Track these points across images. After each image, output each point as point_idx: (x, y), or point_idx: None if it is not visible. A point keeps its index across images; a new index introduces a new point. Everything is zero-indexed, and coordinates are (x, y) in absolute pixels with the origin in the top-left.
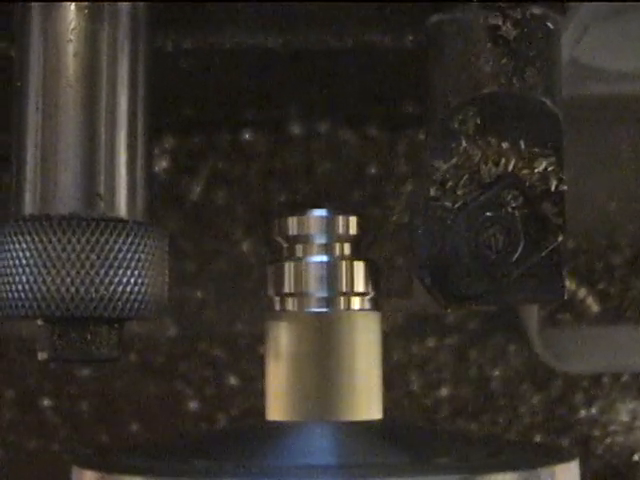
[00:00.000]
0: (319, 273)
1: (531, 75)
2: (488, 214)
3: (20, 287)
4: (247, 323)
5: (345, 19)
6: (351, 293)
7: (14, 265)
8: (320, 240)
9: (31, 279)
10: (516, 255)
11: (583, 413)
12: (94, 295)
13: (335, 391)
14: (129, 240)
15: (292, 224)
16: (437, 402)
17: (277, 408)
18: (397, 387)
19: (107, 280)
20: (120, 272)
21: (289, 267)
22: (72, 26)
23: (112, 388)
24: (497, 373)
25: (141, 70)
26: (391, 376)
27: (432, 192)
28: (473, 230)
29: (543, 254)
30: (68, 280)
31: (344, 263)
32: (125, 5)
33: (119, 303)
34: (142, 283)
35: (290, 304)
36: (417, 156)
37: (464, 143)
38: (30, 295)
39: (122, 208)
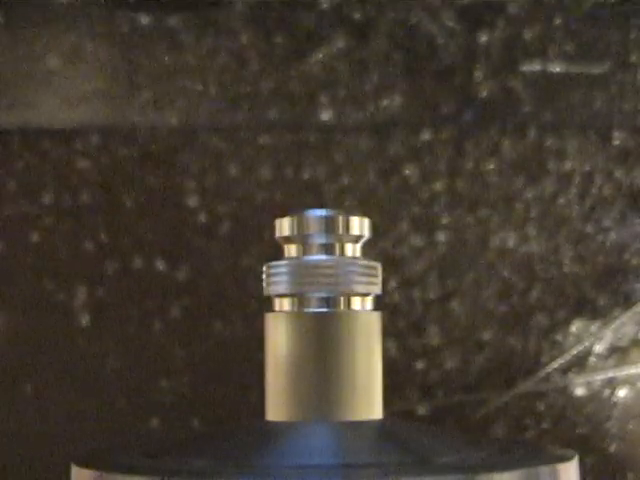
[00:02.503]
0: (319, 273)
1: None
2: None
3: None
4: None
5: None
6: (351, 293)
7: None
8: (320, 240)
9: None
10: None
11: (577, 208)
12: None
13: (335, 391)
14: None
15: (292, 224)
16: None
17: (277, 408)
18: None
19: None
20: None
21: (289, 267)
22: None
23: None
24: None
25: None
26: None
27: None
28: None
29: None
30: None
31: (344, 263)
32: None
33: None
34: None
35: (290, 304)
36: None
37: None
38: None
39: None
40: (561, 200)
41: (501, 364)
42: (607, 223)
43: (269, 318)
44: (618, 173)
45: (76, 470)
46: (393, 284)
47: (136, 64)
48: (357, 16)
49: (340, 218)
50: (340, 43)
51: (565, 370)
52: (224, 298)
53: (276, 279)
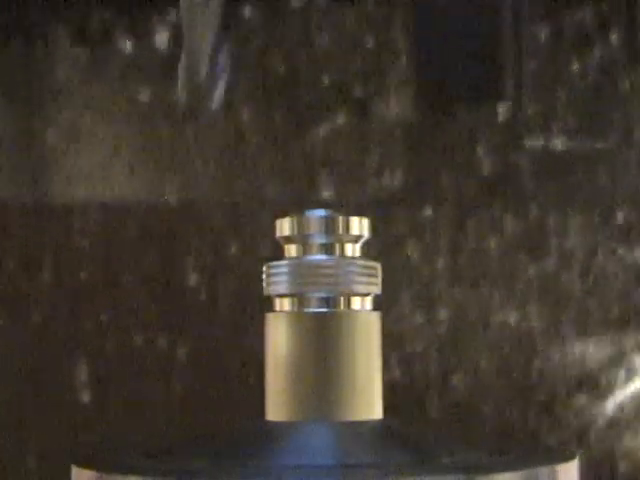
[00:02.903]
0: (319, 273)
1: None
2: None
3: None
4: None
5: None
6: (351, 293)
7: None
8: (320, 240)
9: None
10: None
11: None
12: None
13: (335, 391)
14: None
15: (292, 224)
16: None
17: (277, 408)
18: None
19: None
20: None
21: (289, 267)
22: None
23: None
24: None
25: None
26: None
27: None
28: None
29: None
30: None
31: (344, 263)
32: None
33: None
34: None
35: (290, 304)
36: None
37: None
38: None
39: None
40: (563, 277)
41: (501, 437)
42: (610, 299)
43: (269, 318)
44: (621, 250)
45: (76, 470)
46: (394, 360)
47: (135, 141)
48: (358, 93)
49: (340, 218)
50: (341, 119)
51: (566, 444)
52: (225, 375)
53: (276, 279)
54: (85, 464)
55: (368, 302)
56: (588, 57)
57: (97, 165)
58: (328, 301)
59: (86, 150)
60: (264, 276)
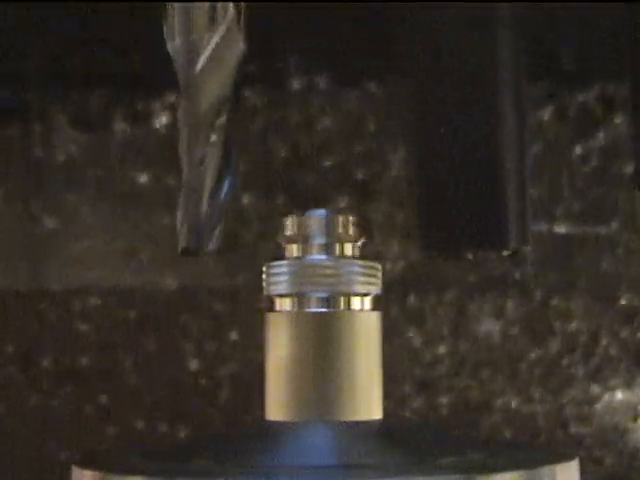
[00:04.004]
0: (319, 273)
1: None
2: None
3: None
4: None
5: None
6: (351, 293)
7: None
8: (320, 240)
9: None
10: None
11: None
12: None
13: (335, 391)
14: None
15: (292, 224)
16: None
17: (277, 408)
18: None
19: None
20: None
21: (289, 267)
22: None
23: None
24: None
25: None
26: None
27: None
28: None
29: None
30: None
31: (344, 263)
32: None
33: None
34: None
35: (290, 304)
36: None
37: None
38: None
39: None
40: (566, 360)
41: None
42: (613, 383)
43: (269, 318)
44: (624, 333)
45: (76, 471)
46: None
47: (134, 224)
48: (360, 175)
49: (340, 218)
50: (342, 203)
51: None
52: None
53: (276, 279)
54: (85, 464)
55: (368, 302)
56: (591, 140)
57: (95, 249)
58: (328, 301)
59: (85, 234)
60: (264, 276)
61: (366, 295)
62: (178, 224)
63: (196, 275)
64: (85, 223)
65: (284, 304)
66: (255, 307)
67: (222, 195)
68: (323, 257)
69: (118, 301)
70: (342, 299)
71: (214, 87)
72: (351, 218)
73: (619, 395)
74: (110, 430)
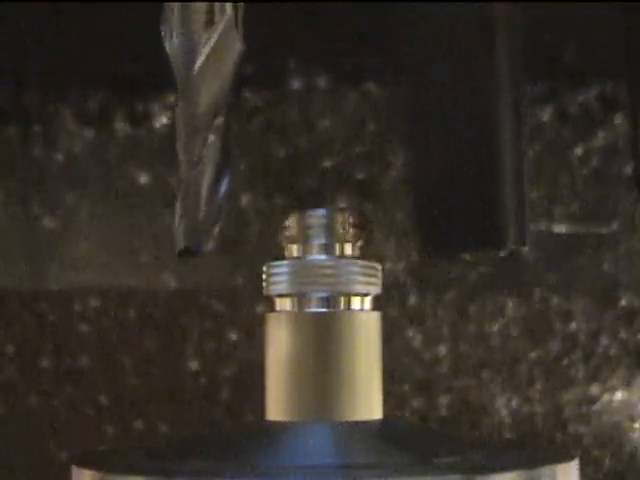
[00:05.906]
0: (319, 273)
1: None
2: None
3: None
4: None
5: None
6: (351, 293)
7: None
8: (320, 240)
9: None
10: None
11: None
12: None
13: (335, 391)
14: None
15: (292, 223)
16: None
17: (277, 408)
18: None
19: None
20: None
21: (289, 267)
22: None
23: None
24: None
25: None
26: None
27: None
28: None
29: None
30: None
31: (344, 263)
32: None
33: None
34: None
35: (290, 304)
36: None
37: None
38: None
39: None
40: (565, 361)
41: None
42: (612, 384)
43: (269, 318)
44: (624, 333)
45: (76, 471)
46: None
47: (134, 224)
48: (360, 176)
49: (340, 217)
50: (342, 203)
51: None
52: None
53: (276, 279)
54: (85, 464)
55: (368, 302)
56: (591, 140)
57: (95, 250)
58: (328, 301)
59: (85, 234)
60: (264, 276)
61: (366, 295)
62: (175, 225)
63: (196, 275)
64: (85, 223)
65: (284, 304)
66: (256, 308)
67: (220, 196)
68: (323, 257)
69: (118, 301)
70: (342, 299)
71: (212, 87)
72: (351, 218)
73: (619, 395)
74: (110, 430)
